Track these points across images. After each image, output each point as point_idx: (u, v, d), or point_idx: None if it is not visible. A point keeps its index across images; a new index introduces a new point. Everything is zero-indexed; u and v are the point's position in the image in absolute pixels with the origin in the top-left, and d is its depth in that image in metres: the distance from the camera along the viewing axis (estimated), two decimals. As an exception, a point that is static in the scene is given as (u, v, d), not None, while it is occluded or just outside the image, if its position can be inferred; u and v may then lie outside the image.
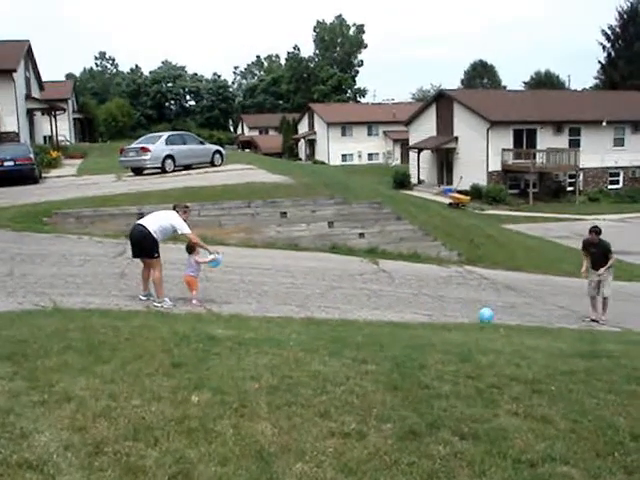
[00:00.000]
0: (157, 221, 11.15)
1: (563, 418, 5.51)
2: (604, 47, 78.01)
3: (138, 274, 11.60)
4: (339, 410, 5.43)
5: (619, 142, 53.05)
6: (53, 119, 42.04)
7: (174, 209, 11.51)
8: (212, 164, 29.85)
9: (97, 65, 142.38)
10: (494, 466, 4.53)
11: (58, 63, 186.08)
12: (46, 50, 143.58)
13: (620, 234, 36.20)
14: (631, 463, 4.68)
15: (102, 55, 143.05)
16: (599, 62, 79.48)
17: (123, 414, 5.09)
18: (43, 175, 28.49)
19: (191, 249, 11.60)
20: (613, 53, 77.28)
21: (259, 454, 4.54)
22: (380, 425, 5.16)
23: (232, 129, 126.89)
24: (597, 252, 14.43)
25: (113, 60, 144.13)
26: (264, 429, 4.96)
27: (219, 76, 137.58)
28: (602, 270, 14.19)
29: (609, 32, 76.99)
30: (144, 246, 11.06)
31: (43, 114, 44.40)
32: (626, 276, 21.50)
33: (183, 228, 11.11)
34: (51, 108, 42.20)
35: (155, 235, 10.93)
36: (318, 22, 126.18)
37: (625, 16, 75.26)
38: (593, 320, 14.16)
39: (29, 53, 42.66)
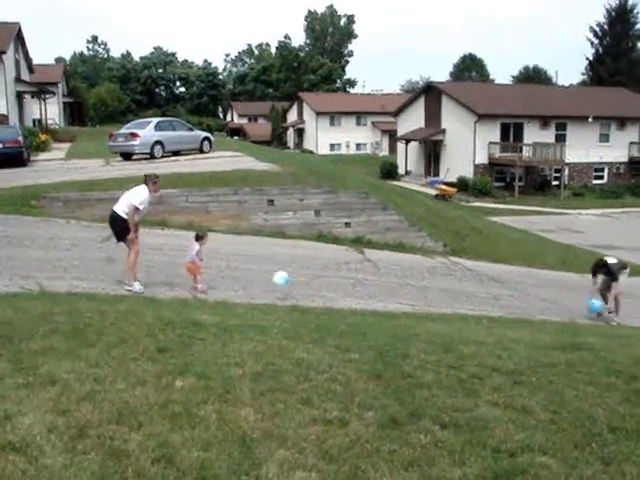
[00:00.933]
0: (126, 200, 11.04)
1: (543, 409, 5.58)
2: (592, 44, 78.31)
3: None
4: (322, 397, 5.47)
5: (604, 138, 53.27)
6: (42, 102, 41.82)
7: (145, 180, 11.33)
8: (201, 151, 29.80)
9: (89, 49, 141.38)
10: (474, 455, 4.58)
11: (50, 46, 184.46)
12: (38, 33, 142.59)
13: (604, 229, 36.50)
14: (608, 454, 4.74)
15: (94, 39, 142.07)
16: (587, 58, 79.84)
17: (107, 398, 5.11)
18: (32, 158, 28.37)
19: (197, 237, 11.69)
20: (601, 50, 77.51)
21: (242, 440, 4.57)
22: (362, 413, 5.20)
23: (221, 116, 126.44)
24: (606, 273, 14.42)
25: (105, 45, 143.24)
26: (247, 415, 4.99)
27: (209, 63, 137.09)
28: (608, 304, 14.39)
29: (597, 29, 77.28)
30: (116, 230, 11.09)
31: (33, 97, 44.14)
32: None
33: (135, 199, 10.88)
34: (41, 91, 41.95)
35: (125, 216, 10.84)
36: (309, 12, 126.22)
37: (613, 13, 75.46)
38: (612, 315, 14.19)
39: (19, 36, 42.36)
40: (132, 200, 10.89)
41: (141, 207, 10.94)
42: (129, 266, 11.04)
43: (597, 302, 14.13)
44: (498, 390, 5.99)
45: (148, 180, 11.25)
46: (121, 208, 10.98)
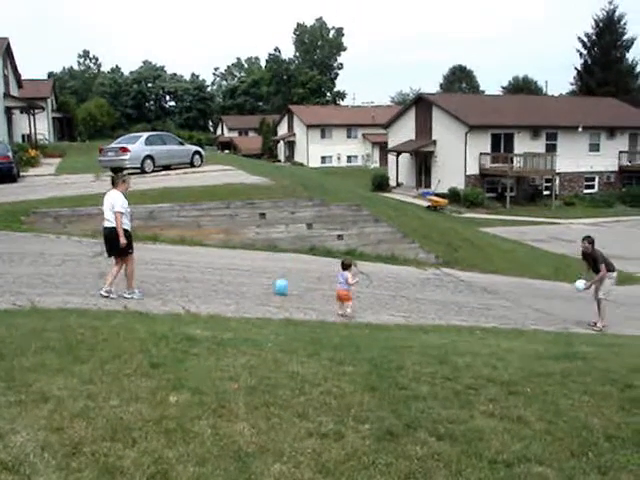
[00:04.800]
0: (108, 212, 11.19)
1: (538, 419, 5.58)
2: (581, 54, 78.79)
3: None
4: (317, 411, 5.45)
5: (594, 147, 53.60)
6: (32, 118, 41.73)
7: (113, 184, 11.49)
8: (191, 165, 29.76)
9: (80, 64, 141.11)
10: (470, 466, 4.57)
11: (40, 62, 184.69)
12: (28, 48, 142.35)
13: (595, 238, 36.56)
14: (605, 463, 4.74)
15: (86, 54, 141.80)
16: (576, 69, 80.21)
17: (101, 414, 5.07)
18: (21, 174, 28.28)
19: (346, 265, 12.27)
20: (589, 60, 77.99)
21: (237, 454, 4.55)
22: (358, 426, 5.18)
23: (212, 130, 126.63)
24: (591, 261, 14.68)
25: (97, 59, 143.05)
26: (242, 429, 4.97)
27: (197, 76, 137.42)
28: (593, 282, 14.49)
29: (585, 39, 77.75)
30: (113, 243, 11.21)
31: (22, 112, 44.06)
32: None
33: (115, 206, 11.03)
34: (30, 107, 41.89)
35: (119, 227, 11.00)
36: (298, 24, 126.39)
37: (601, 24, 75.96)
38: (595, 326, 14.15)
39: (8, 51, 42.40)
40: (115, 208, 11.03)
41: (123, 210, 11.08)
42: (130, 275, 11.21)
43: (581, 282, 14.51)
44: (493, 401, 5.99)
45: (117, 181, 11.47)
46: (109, 222, 11.14)
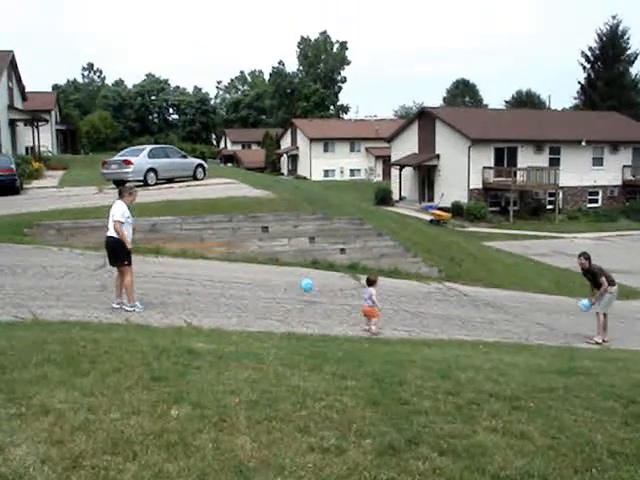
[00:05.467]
0: (110, 222, 11.39)
1: (542, 434, 5.54)
2: (584, 68, 78.99)
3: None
4: (319, 425, 5.42)
5: (598, 162, 53.60)
6: (35, 130, 41.85)
7: (120, 195, 11.71)
8: (194, 178, 29.82)
9: (84, 77, 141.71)
10: (473, 482, 4.54)
11: (44, 74, 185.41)
12: (33, 61, 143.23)
13: (598, 252, 36.52)
14: (608, 479, 4.71)
15: (90, 66, 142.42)
16: (579, 83, 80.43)
17: (102, 427, 5.05)
18: (24, 186, 28.36)
19: (371, 282, 12.42)
20: (592, 74, 78.18)
21: (238, 469, 4.52)
22: (360, 440, 5.15)
23: (215, 143, 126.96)
24: (590, 276, 14.64)
25: (100, 72, 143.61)
26: (243, 444, 4.94)
27: (200, 89, 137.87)
28: (597, 298, 14.40)
29: (589, 54, 77.98)
30: (112, 252, 11.43)
31: (25, 125, 44.20)
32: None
33: (115, 215, 11.24)
34: (34, 119, 42.02)
35: (117, 236, 11.14)
36: (302, 38, 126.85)
37: (604, 38, 76.23)
38: (591, 340, 14.08)
39: (12, 63, 42.55)
40: (114, 217, 11.22)
41: (123, 219, 11.21)
42: (128, 288, 11.29)
43: (585, 301, 14.59)
44: (496, 416, 5.95)
45: (124, 192, 11.69)
46: (110, 231, 11.34)
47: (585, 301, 14.58)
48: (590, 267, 14.50)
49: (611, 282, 14.48)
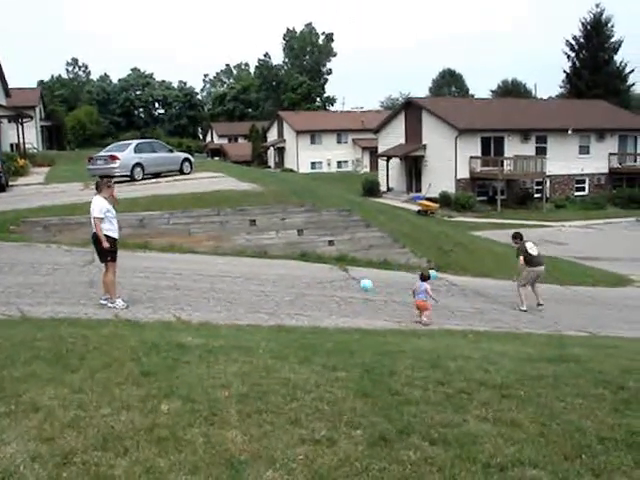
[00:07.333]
0: (91, 218, 11.25)
1: (532, 422, 5.57)
2: (569, 57, 79.04)
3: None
4: (309, 417, 5.43)
5: (584, 150, 53.84)
6: (20, 126, 41.57)
7: (97, 190, 11.47)
8: (181, 172, 29.70)
9: (68, 72, 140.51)
10: (464, 471, 4.56)
11: (28, 70, 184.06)
12: (17, 57, 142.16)
13: (586, 240, 36.72)
14: (598, 465, 4.73)
15: (74, 62, 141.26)
16: (564, 72, 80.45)
17: (92, 424, 5.05)
18: (10, 183, 28.15)
19: (424, 277, 13.18)
20: (578, 63, 78.27)
21: (229, 462, 4.53)
22: (350, 431, 5.16)
23: (201, 137, 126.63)
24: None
25: (86, 67, 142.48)
26: (234, 437, 4.95)
27: (185, 83, 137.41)
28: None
29: (573, 42, 78.02)
30: (97, 248, 11.26)
31: (10, 121, 43.86)
32: (591, 281, 21.78)
33: (93, 211, 11.08)
34: (18, 115, 41.70)
35: (100, 232, 10.98)
36: (288, 30, 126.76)
37: (588, 27, 76.31)
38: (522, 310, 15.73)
39: (-6, 60, 42.24)
40: (93, 214, 11.07)
41: (102, 215, 11.01)
42: (109, 284, 11.13)
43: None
44: (486, 405, 5.98)
45: (101, 186, 11.44)
46: (93, 227, 11.18)
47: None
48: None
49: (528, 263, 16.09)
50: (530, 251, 16.17)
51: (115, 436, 4.84)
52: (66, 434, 4.85)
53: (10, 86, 48.65)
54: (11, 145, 45.84)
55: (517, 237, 16.74)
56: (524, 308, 15.66)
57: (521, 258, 16.07)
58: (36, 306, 10.55)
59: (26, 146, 43.69)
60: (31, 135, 50.93)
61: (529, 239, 17.04)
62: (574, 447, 5.05)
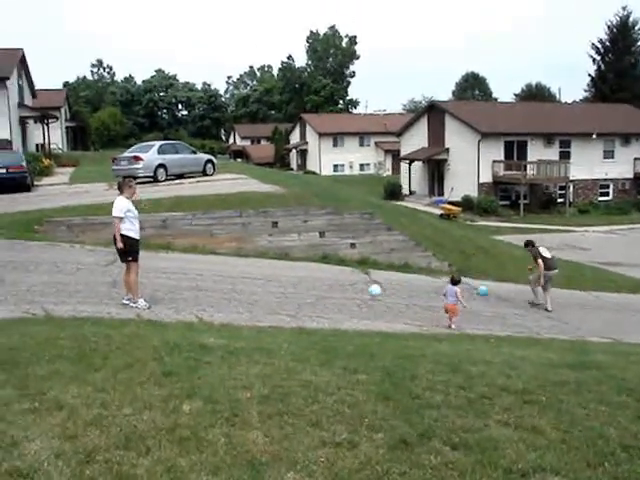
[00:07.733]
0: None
1: (554, 428, 5.53)
2: (594, 60, 78.60)
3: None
4: (330, 419, 5.43)
5: (609, 154, 53.35)
6: (45, 127, 41.96)
7: (119, 190, 11.60)
8: (204, 173, 29.84)
9: (93, 73, 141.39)
10: (485, 476, 4.54)
11: (53, 71, 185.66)
12: (42, 58, 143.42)
13: (610, 246, 36.41)
14: (622, 474, 4.69)
15: (99, 63, 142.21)
16: (589, 75, 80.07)
17: (114, 422, 5.08)
18: (35, 183, 28.43)
19: (455, 281, 13.25)
20: (603, 66, 77.81)
21: (250, 463, 4.54)
22: (371, 435, 5.16)
23: (224, 138, 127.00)
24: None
25: (110, 68, 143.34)
26: (256, 438, 4.96)
27: (209, 85, 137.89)
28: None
29: (599, 45, 77.61)
30: (117, 249, 11.33)
31: (36, 122, 44.32)
32: (614, 287, 21.58)
33: (114, 211, 11.17)
34: (43, 116, 42.11)
35: (123, 232, 11.05)
36: (311, 32, 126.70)
37: (615, 30, 75.82)
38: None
39: (22, 61, 42.67)
40: (113, 213, 11.16)
41: (122, 215, 11.08)
42: (131, 284, 11.20)
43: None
44: (508, 410, 5.95)
45: (123, 186, 11.55)
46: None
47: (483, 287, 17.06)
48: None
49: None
50: (544, 254, 16.72)
51: (137, 435, 4.87)
52: (89, 432, 4.88)
53: (36, 87, 49.12)
54: (36, 145, 46.28)
55: (529, 244, 17.46)
56: (550, 308, 16.24)
57: (540, 262, 16.62)
58: (60, 305, 10.64)
59: (51, 146, 44.11)
60: (56, 136, 51.38)
61: (543, 244, 17.48)
62: (596, 454, 5.01)
